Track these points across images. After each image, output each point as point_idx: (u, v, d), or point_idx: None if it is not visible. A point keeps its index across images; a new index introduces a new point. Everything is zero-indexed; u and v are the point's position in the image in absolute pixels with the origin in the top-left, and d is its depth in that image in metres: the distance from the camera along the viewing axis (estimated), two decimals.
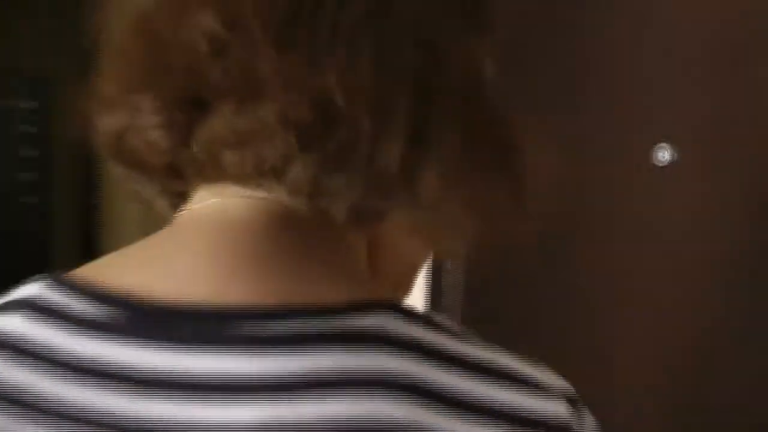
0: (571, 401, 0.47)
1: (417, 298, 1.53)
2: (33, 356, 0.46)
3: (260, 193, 0.49)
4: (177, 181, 0.52)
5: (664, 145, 1.49)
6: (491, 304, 1.57)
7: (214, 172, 0.49)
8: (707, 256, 1.53)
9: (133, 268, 0.49)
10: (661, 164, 1.49)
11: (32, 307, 0.48)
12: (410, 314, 0.47)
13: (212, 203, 0.50)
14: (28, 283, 0.50)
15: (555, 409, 0.46)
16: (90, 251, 1.50)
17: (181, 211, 0.52)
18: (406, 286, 0.61)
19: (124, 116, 0.50)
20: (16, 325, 0.47)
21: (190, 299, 0.45)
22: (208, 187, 0.51)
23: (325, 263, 0.49)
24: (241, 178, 0.49)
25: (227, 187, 0.50)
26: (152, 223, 0.54)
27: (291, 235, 0.49)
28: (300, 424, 0.42)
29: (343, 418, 0.42)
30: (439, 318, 0.48)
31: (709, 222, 1.53)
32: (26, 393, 0.45)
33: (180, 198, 0.53)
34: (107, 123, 0.51)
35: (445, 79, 0.49)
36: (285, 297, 0.46)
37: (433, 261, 1.49)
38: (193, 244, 0.49)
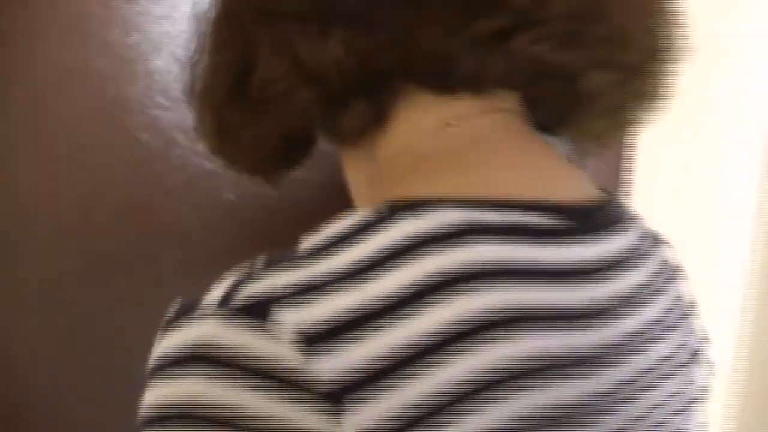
0: None
1: None
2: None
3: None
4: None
5: None
6: None
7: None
8: None
9: (505, 178, 0.51)
10: None
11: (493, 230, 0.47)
12: None
13: (499, 117, 0.54)
14: None
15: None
16: None
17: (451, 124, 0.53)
18: None
19: None
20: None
21: (581, 198, 0.53)
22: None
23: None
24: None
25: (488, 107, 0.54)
26: None
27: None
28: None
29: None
30: None
31: None
32: None
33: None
34: None
35: None
36: (581, 193, 0.54)
37: None
38: (528, 153, 0.54)
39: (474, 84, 0.53)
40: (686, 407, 0.60)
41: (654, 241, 0.62)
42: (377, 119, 0.55)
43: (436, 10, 0.50)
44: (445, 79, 0.53)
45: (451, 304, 0.44)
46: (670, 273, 0.61)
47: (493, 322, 0.45)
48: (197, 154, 1.00)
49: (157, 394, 0.43)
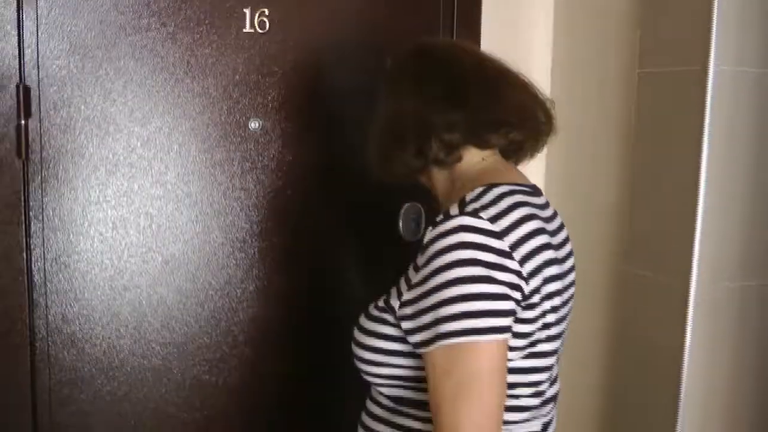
0: None
1: None
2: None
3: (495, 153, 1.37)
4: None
5: None
6: None
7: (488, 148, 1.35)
8: None
9: (507, 176, 1.32)
10: None
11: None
12: None
13: (493, 156, 1.36)
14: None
15: None
16: None
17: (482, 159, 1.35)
18: None
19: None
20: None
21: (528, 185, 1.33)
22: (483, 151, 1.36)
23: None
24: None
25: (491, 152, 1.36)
26: None
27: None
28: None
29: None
30: None
31: None
32: None
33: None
34: None
35: None
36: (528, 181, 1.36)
37: None
38: (509, 169, 1.37)
39: (491, 147, 1.35)
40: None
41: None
42: (459, 158, 1.33)
43: (482, 126, 1.33)
44: (482, 145, 1.33)
45: (519, 209, 1.23)
46: (556, 212, 1.41)
47: (529, 216, 1.23)
48: None
49: (444, 244, 1.16)
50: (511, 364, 1.20)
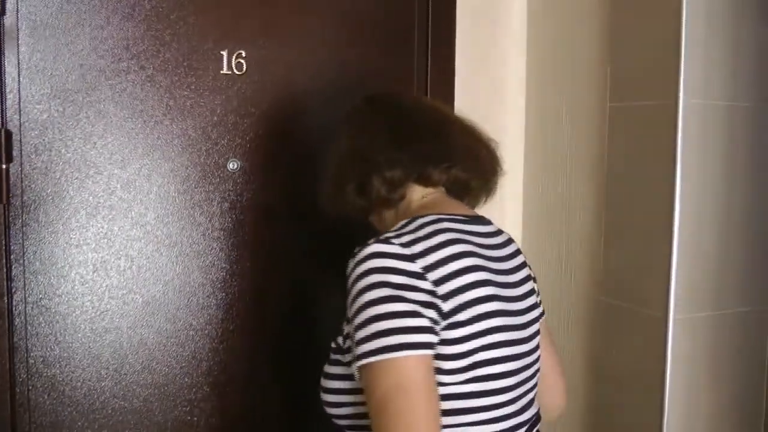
0: None
1: None
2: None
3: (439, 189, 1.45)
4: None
5: None
6: None
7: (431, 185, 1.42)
8: None
9: (446, 209, 1.36)
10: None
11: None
12: None
13: (435, 193, 1.42)
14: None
15: None
16: None
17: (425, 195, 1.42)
18: None
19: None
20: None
21: (471, 214, 1.40)
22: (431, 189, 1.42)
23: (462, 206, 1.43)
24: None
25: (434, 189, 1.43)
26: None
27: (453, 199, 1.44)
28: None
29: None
30: None
31: None
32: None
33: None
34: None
35: None
36: (470, 212, 1.42)
37: None
38: (450, 204, 1.40)
39: (433, 184, 1.41)
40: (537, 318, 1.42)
41: (507, 235, 1.46)
42: (403, 196, 1.40)
43: (422, 162, 1.39)
44: (424, 182, 1.40)
45: (440, 235, 1.27)
46: (510, 238, 1.45)
47: (452, 240, 1.27)
48: None
49: (358, 272, 1.21)
50: (451, 390, 1.22)
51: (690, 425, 1.80)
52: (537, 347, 1.38)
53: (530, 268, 1.46)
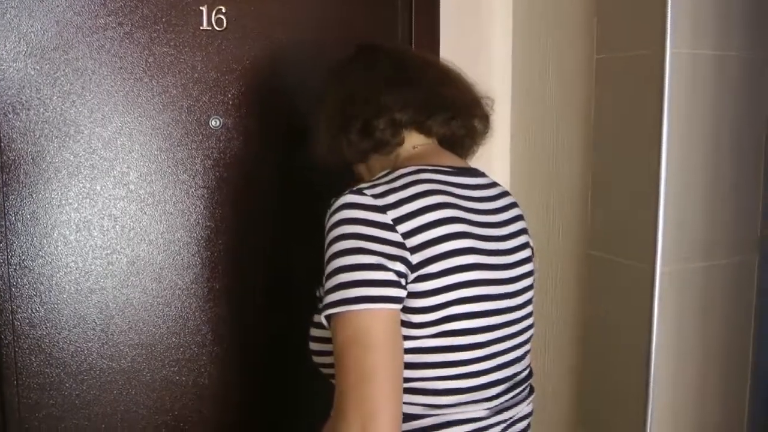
0: None
1: None
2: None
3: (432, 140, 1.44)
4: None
5: None
6: None
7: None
8: None
9: (433, 160, 1.35)
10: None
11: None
12: None
13: (426, 145, 1.42)
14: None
15: None
16: None
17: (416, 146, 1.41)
18: None
19: None
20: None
21: (461, 164, 1.39)
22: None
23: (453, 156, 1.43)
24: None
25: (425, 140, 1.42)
26: None
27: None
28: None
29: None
30: None
31: None
32: None
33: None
34: None
35: None
36: (461, 164, 1.40)
37: None
38: (439, 154, 1.39)
39: (433, 135, 1.42)
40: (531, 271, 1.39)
41: (501, 188, 1.43)
42: (402, 141, 1.40)
43: (433, 107, 1.39)
44: (425, 130, 1.41)
45: (416, 186, 1.25)
46: (505, 191, 1.42)
47: (428, 191, 1.25)
48: None
49: (331, 222, 1.21)
50: (419, 344, 1.22)
51: (677, 380, 1.81)
52: (528, 302, 1.37)
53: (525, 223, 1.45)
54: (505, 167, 2.16)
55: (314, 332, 1.32)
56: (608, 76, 1.86)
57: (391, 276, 1.17)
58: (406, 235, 1.19)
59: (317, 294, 1.30)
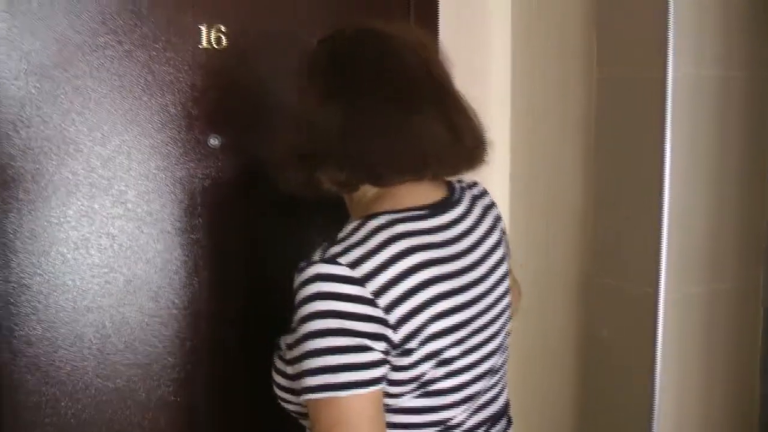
0: None
1: None
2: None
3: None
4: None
5: None
6: None
7: None
8: None
9: (403, 201, 1.23)
10: None
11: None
12: None
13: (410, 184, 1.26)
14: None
15: None
16: None
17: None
18: None
19: None
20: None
21: (433, 200, 1.25)
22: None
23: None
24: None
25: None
26: None
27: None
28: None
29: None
30: None
31: None
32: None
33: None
34: None
35: None
36: (433, 198, 1.26)
37: None
38: (412, 189, 1.24)
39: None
40: (503, 277, 1.33)
41: (474, 200, 1.34)
42: (356, 189, 1.27)
43: (374, 168, 1.23)
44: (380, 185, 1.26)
45: (392, 246, 1.14)
46: (486, 209, 1.35)
47: (407, 250, 1.15)
48: None
49: (303, 295, 1.11)
50: (402, 404, 1.18)
51: (681, 410, 1.77)
52: (503, 342, 1.33)
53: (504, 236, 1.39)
54: (503, 187, 2.14)
55: (276, 378, 1.28)
56: (609, 95, 1.84)
57: (376, 356, 1.11)
58: (388, 309, 1.11)
59: (280, 345, 1.26)
